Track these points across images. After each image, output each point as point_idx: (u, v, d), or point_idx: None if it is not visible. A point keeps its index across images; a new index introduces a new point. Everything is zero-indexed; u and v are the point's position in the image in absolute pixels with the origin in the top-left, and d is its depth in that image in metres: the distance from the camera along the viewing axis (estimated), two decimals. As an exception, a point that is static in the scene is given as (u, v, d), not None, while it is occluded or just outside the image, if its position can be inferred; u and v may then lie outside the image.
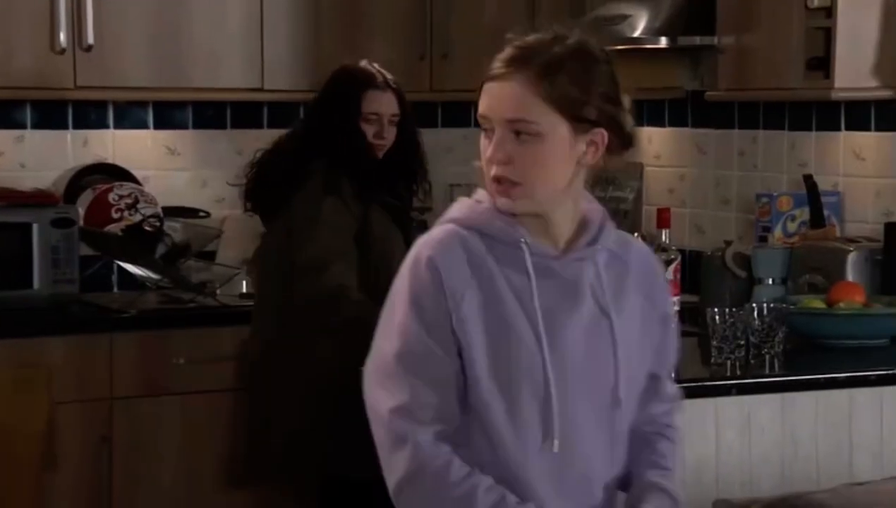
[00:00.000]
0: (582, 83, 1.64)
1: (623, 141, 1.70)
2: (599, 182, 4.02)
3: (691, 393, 2.21)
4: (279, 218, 2.85)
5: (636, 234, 3.72)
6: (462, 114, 3.96)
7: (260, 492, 3.25)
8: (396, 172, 2.92)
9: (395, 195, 2.91)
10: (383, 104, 2.89)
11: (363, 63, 2.95)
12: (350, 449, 2.75)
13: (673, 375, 1.77)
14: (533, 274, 1.62)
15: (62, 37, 3.28)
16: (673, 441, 1.72)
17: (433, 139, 3.95)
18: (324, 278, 2.70)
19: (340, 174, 2.81)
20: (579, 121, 1.64)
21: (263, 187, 2.90)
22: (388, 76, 2.92)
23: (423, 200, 3.03)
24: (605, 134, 1.66)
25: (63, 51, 3.29)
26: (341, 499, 2.87)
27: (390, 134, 2.90)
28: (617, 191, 3.88)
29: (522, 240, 1.64)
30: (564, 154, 1.63)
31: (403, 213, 2.90)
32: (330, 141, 2.85)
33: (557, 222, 1.67)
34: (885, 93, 3.02)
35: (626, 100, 1.70)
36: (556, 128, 1.63)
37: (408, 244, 2.89)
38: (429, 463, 1.56)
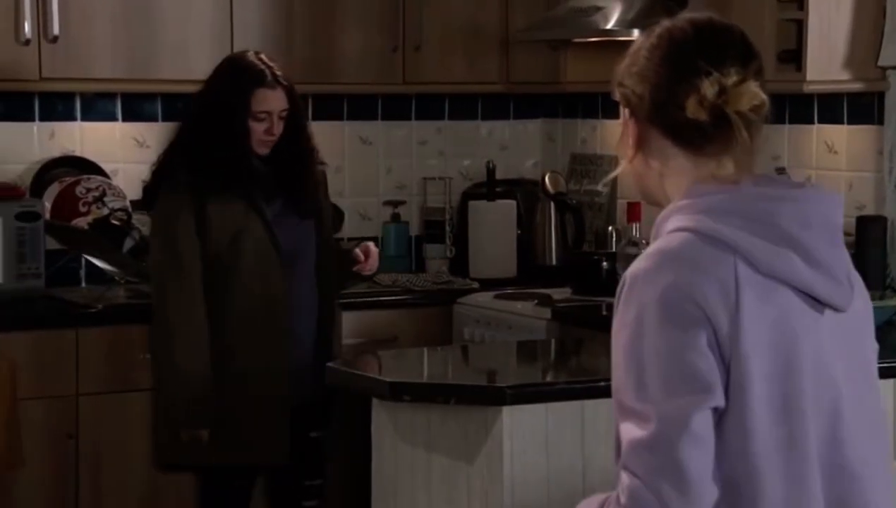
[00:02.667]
0: (628, 61, 1.59)
1: (661, 123, 1.55)
2: (574, 175, 4.03)
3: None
4: None
5: (610, 228, 3.75)
6: (435, 106, 3.93)
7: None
8: (285, 165, 2.94)
9: (289, 187, 2.93)
10: (273, 102, 2.90)
11: (251, 55, 2.95)
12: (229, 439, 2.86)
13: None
14: None
15: (27, 27, 3.23)
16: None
17: (406, 132, 3.93)
18: (157, 306, 2.89)
19: (179, 171, 2.87)
20: (620, 99, 1.59)
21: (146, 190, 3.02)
22: (278, 71, 2.93)
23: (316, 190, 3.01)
24: (629, 112, 1.58)
25: (28, 42, 3.24)
26: (224, 487, 2.96)
27: (279, 129, 2.92)
28: (591, 185, 3.87)
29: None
30: (621, 134, 1.61)
31: (258, 200, 2.89)
32: (208, 138, 2.87)
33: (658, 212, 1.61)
34: (857, 86, 3.02)
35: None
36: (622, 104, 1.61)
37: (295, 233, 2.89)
38: None
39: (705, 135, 1.54)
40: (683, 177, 1.56)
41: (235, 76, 2.91)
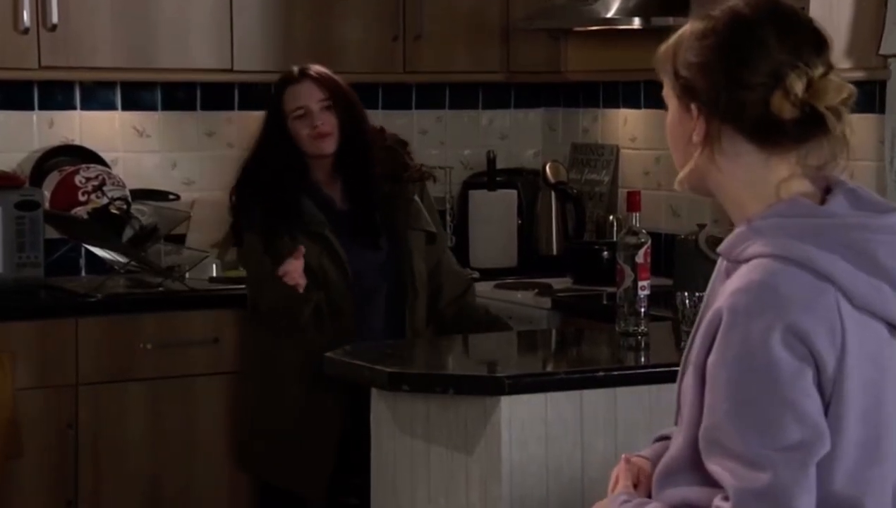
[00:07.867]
0: (681, 49, 1.47)
1: (735, 119, 1.42)
2: (575, 164, 4.03)
3: (661, 378, 2.20)
4: None
5: (611, 218, 3.75)
6: (436, 95, 3.92)
7: (227, 481, 3.22)
8: (349, 169, 2.89)
9: (356, 216, 2.87)
10: (303, 95, 2.88)
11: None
12: (281, 460, 2.86)
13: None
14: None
15: (25, 16, 3.22)
16: None
17: (407, 121, 3.92)
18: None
19: (254, 209, 2.85)
20: (679, 90, 1.46)
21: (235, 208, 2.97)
22: (308, 68, 2.91)
23: (418, 177, 2.96)
24: (696, 107, 1.45)
25: (27, 30, 3.23)
26: None
27: (327, 121, 2.87)
28: (592, 174, 3.86)
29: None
30: (676, 126, 1.49)
31: (330, 239, 2.84)
32: (268, 161, 2.87)
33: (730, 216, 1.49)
34: (858, 75, 3.00)
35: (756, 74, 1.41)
36: (671, 95, 1.49)
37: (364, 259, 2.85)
38: None
39: (787, 132, 1.43)
40: (751, 175, 1.45)
41: (273, 89, 2.93)
